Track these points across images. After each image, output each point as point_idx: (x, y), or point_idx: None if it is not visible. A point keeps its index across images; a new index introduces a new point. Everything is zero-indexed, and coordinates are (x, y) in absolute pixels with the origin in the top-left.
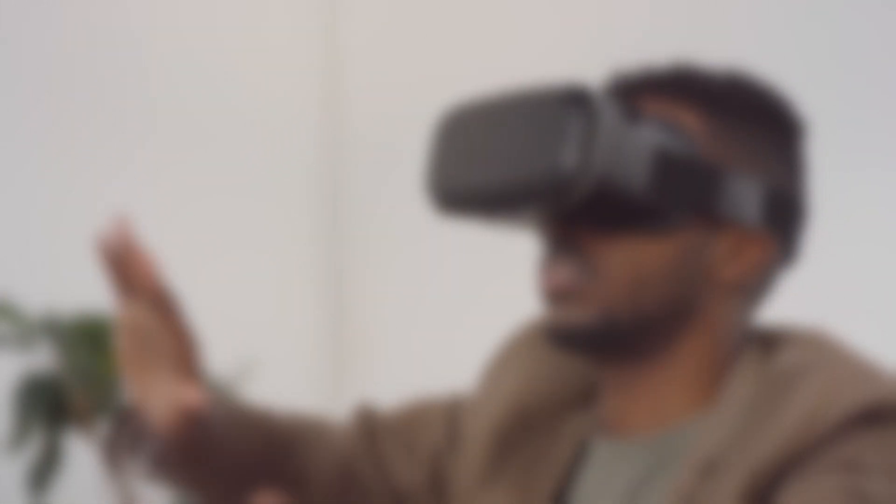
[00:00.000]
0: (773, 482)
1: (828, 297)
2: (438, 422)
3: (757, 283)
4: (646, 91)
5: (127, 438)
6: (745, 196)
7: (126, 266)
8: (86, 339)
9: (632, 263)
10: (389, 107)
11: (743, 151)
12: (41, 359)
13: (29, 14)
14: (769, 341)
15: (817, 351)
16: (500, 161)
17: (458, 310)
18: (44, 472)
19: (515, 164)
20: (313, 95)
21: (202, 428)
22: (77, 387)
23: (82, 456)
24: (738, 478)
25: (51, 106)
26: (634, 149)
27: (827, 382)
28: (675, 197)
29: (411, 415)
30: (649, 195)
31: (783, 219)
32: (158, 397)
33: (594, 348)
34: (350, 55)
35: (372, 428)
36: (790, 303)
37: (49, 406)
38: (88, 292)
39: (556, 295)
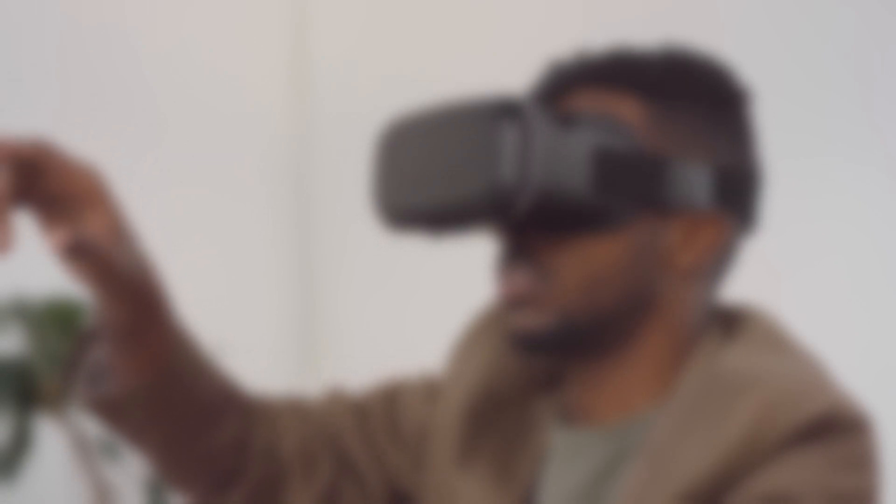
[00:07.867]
0: (709, 497)
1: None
2: (418, 403)
3: (716, 263)
4: (581, 81)
5: (86, 365)
6: (693, 180)
7: None
8: (55, 324)
9: (585, 264)
10: (356, 94)
11: (687, 134)
12: (10, 343)
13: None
14: (729, 321)
15: (760, 355)
16: (439, 179)
17: (425, 295)
18: (13, 456)
19: (455, 182)
20: (280, 75)
21: (98, 260)
22: (46, 371)
23: (52, 440)
24: (673, 485)
25: (30, 96)
26: (572, 153)
27: (764, 403)
28: (620, 194)
29: (390, 396)
30: (593, 197)
31: (735, 194)
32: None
33: (556, 350)
34: (318, 44)
35: (362, 409)
36: (755, 280)
37: (18, 391)
38: (58, 276)
39: (514, 301)
